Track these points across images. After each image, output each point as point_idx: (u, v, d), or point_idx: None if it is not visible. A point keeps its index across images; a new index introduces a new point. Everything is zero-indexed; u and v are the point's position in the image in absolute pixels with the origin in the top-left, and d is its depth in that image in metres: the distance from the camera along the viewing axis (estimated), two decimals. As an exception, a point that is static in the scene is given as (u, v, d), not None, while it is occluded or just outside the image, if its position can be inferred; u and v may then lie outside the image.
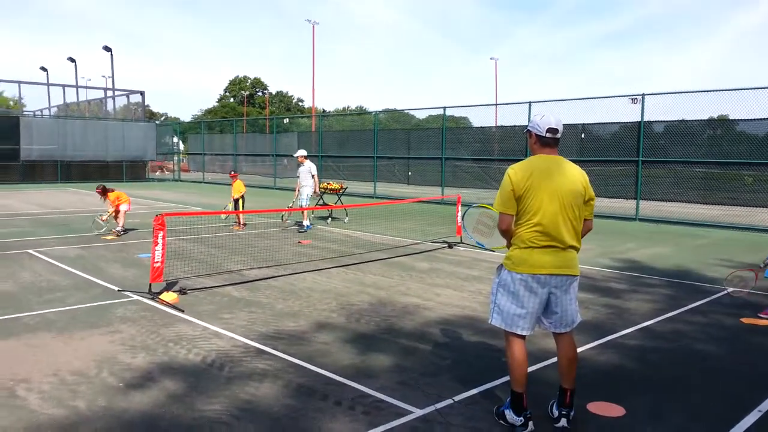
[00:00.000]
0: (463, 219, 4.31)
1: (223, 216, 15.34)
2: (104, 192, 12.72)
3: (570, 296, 3.96)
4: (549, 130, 3.94)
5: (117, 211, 12.60)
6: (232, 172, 15.57)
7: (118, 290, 7.77)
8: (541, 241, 3.83)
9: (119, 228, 12.66)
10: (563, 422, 3.97)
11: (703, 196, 16.75)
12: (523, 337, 3.99)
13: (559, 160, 3.95)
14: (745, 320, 6.63)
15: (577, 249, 3.95)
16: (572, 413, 4.01)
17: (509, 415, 3.97)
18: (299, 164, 14.41)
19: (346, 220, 15.62)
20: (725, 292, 7.95)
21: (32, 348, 5.49)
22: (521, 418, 3.92)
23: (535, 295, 3.87)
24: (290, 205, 15.17)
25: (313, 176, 14.25)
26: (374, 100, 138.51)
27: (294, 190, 15.58)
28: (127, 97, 40.14)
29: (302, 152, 14.65)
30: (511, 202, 3.86)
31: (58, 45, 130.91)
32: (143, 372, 4.92)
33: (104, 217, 12.81)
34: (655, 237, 13.70)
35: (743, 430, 4.01)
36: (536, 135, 3.98)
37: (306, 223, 13.89)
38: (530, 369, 4.40)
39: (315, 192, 14.40)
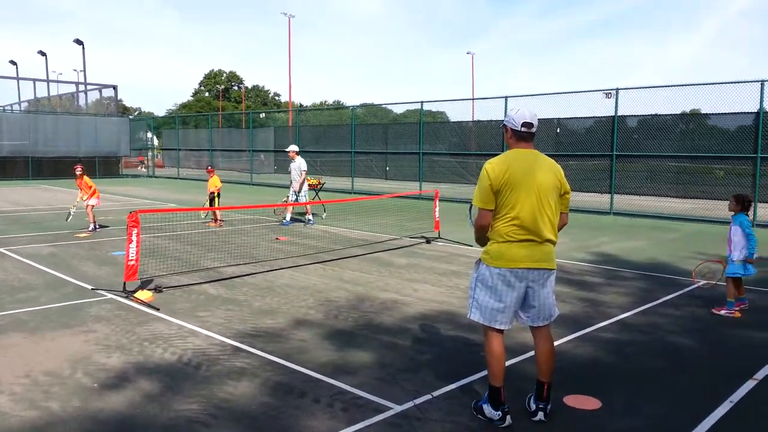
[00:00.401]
0: (471, 218, 4.29)
1: (202, 214, 15.18)
2: (83, 173, 12.60)
3: (547, 290, 3.99)
4: (524, 124, 3.96)
5: (91, 195, 12.58)
6: (209, 167, 15.42)
7: (92, 289, 7.65)
8: (519, 235, 3.85)
9: (91, 226, 12.51)
10: (540, 416, 4.01)
11: (675, 190, 17.02)
12: (501, 331, 4.01)
13: (535, 154, 3.98)
14: (716, 311, 6.76)
15: (554, 243, 3.99)
16: (549, 407, 4.05)
17: (487, 409, 4.00)
18: (291, 160, 14.48)
19: (324, 216, 15.57)
20: (696, 285, 8.09)
21: (3, 348, 5.37)
22: (499, 412, 3.95)
23: (513, 289, 3.89)
24: (284, 200, 15.23)
25: (301, 172, 14.25)
26: (352, 95, 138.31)
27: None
28: (100, 91, 39.46)
29: (293, 148, 14.72)
30: (490, 197, 3.88)
31: (27, 38, 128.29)
32: (118, 372, 4.85)
33: (75, 203, 12.80)
34: (629, 231, 13.89)
35: (716, 421, 4.08)
36: (512, 129, 4.01)
37: (288, 217, 14.26)
38: (508, 363, 4.43)
39: (294, 189, 14.38)
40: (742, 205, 6.81)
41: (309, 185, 16.50)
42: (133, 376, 4.77)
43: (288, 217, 14.31)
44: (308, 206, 14.43)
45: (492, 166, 3.90)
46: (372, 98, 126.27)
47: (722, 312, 6.76)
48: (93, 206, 12.71)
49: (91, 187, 12.72)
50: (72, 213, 12.97)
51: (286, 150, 14.96)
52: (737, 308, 6.77)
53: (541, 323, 4.05)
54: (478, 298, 4.03)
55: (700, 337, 6.01)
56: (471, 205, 4.24)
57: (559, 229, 4.06)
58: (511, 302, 3.92)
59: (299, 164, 14.30)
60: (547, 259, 3.94)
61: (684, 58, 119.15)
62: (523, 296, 3.94)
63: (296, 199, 14.19)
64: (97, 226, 12.66)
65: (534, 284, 3.92)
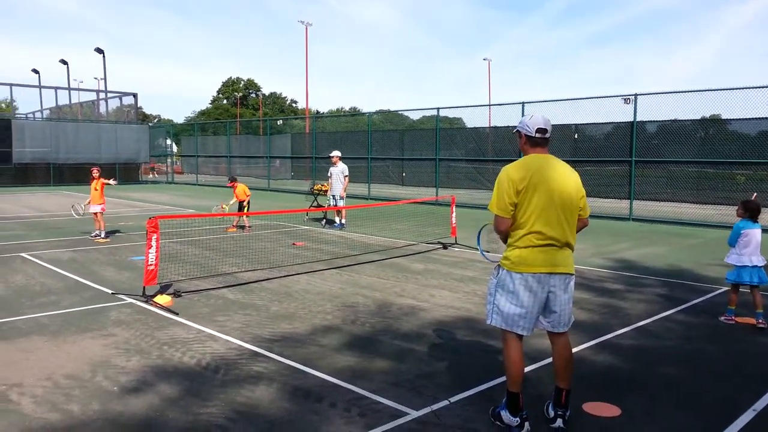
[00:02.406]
0: (479, 240, 4.24)
1: (215, 208, 15.32)
2: (100, 176, 12.70)
3: (568, 295, 3.97)
4: (538, 130, 3.95)
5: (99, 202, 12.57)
6: (232, 182, 14.85)
7: (112, 293, 7.73)
8: (540, 240, 3.83)
9: (102, 232, 12.52)
10: (559, 422, 3.97)
11: (696, 196, 16.80)
12: (520, 337, 3.99)
13: (551, 159, 3.97)
14: (738, 320, 6.65)
15: (572, 247, 3.97)
16: (568, 413, 4.01)
17: (505, 415, 3.97)
18: (333, 165, 14.97)
19: (342, 222, 15.58)
20: (719, 291, 7.97)
21: (25, 352, 5.45)
22: (517, 418, 3.92)
23: (534, 294, 3.87)
24: (327, 203, 15.59)
25: (344, 177, 14.86)
26: (368, 101, 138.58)
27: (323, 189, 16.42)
28: (120, 99, 39.98)
29: (337, 153, 15.26)
30: (509, 202, 3.86)
31: (49, 47, 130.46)
32: (138, 375, 4.89)
33: (86, 203, 12.91)
34: (649, 237, 13.75)
35: (738, 430, 4.02)
36: (526, 135, 4.00)
37: (338, 220, 14.88)
38: (527, 369, 4.40)
39: (340, 194, 14.97)
40: (750, 212, 6.67)
41: (321, 191, 16.67)
42: (153, 379, 4.81)
43: (338, 221, 14.92)
44: (344, 211, 14.94)
45: (511, 171, 3.89)
46: (388, 105, 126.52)
47: (722, 318, 6.68)
48: (100, 212, 12.63)
49: (101, 187, 12.57)
50: (79, 210, 13.09)
51: (330, 155, 15.40)
52: (759, 324, 6.40)
53: (562, 329, 4.02)
54: (498, 304, 4.01)
55: (721, 344, 5.93)
56: (480, 230, 4.19)
57: (579, 230, 4.05)
58: (533, 307, 3.90)
59: (343, 169, 14.88)
60: (567, 264, 3.92)
61: (704, 63, 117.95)
62: (545, 301, 3.92)
63: (335, 204, 14.75)
64: (104, 233, 12.66)
65: (555, 289, 3.89)
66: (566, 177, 3.92)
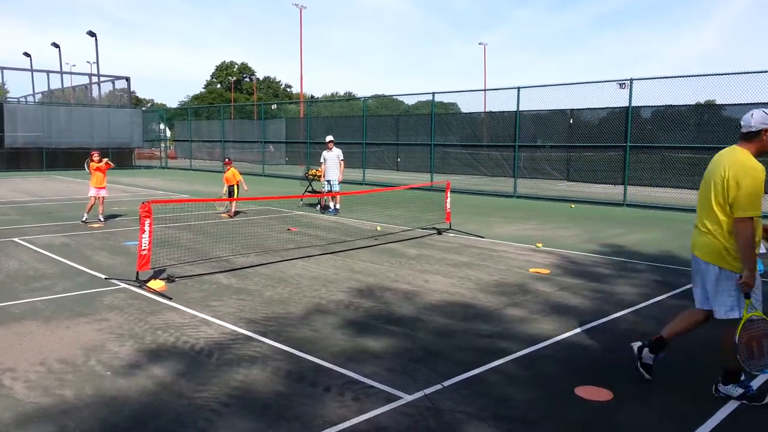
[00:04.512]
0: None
1: (217, 206, 15.20)
2: (100, 159, 12.76)
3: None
4: None
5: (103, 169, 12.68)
6: (227, 159, 15.06)
7: (105, 278, 7.71)
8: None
9: (101, 216, 12.60)
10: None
11: (690, 182, 16.83)
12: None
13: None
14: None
15: None
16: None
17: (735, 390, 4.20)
18: (328, 150, 15.01)
19: (336, 206, 15.56)
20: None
21: (18, 336, 5.44)
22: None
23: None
24: (323, 189, 15.58)
25: (341, 161, 15.01)
26: (363, 86, 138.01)
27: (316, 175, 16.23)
28: (113, 83, 39.67)
29: (331, 138, 15.34)
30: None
31: (41, 30, 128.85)
32: (131, 360, 4.89)
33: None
34: (643, 222, 13.79)
35: (728, 413, 4.06)
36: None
37: (333, 205, 14.97)
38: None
39: (338, 179, 15.10)
40: None
41: (316, 176, 16.61)
42: (146, 364, 4.82)
43: (332, 206, 14.98)
44: (338, 196, 15.02)
45: (760, 169, 4.00)
46: (383, 89, 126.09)
47: None
48: (104, 197, 12.78)
49: (104, 167, 12.74)
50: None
51: (325, 141, 15.35)
52: None
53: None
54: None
55: (713, 328, 5.95)
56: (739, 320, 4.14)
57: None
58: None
59: (338, 154, 15.00)
60: None
61: (700, 48, 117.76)
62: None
63: (330, 189, 14.76)
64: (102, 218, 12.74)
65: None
66: None
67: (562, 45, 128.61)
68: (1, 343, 5.28)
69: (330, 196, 15.06)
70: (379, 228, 12.43)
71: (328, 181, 15.00)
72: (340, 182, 15.10)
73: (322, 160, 15.14)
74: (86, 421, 3.84)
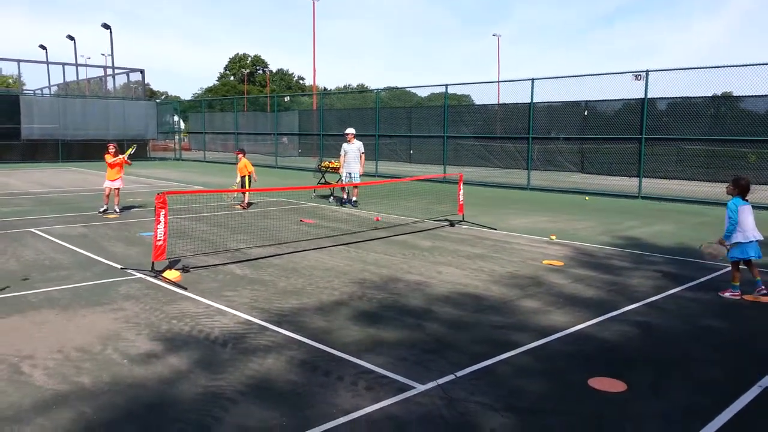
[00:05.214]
0: None
1: (228, 197, 15.26)
2: (116, 152, 12.93)
3: None
4: None
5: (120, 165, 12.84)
6: (238, 150, 15.13)
7: (121, 268, 7.79)
8: None
9: (116, 207, 12.72)
10: None
11: (705, 174, 16.65)
12: None
13: None
14: (746, 297, 6.64)
15: None
16: None
17: None
18: (348, 142, 14.90)
19: (354, 199, 15.58)
20: (727, 269, 7.93)
21: (37, 325, 5.52)
22: None
23: None
24: (338, 180, 15.57)
25: (361, 154, 14.93)
26: (376, 78, 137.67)
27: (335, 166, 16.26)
28: (127, 75, 39.88)
29: (351, 130, 15.19)
30: None
31: (56, 23, 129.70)
32: (147, 349, 4.95)
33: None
34: (658, 215, 13.68)
35: (743, 405, 4.03)
36: None
37: (352, 198, 14.92)
38: (545, 341, 4.37)
39: (359, 171, 14.95)
40: (740, 189, 6.71)
41: (333, 168, 16.59)
42: (162, 352, 4.87)
43: (351, 198, 14.90)
44: (357, 189, 14.99)
45: None
46: (396, 82, 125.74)
47: (726, 294, 6.70)
48: (119, 188, 12.93)
49: (122, 162, 12.91)
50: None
51: (345, 133, 15.26)
52: (759, 292, 6.63)
53: None
54: None
55: (728, 321, 5.92)
56: None
57: None
58: None
59: (359, 146, 14.90)
60: None
61: (716, 39, 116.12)
62: None
63: (350, 181, 14.67)
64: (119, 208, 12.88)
65: None
66: None
67: (574, 37, 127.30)
68: (19, 331, 5.36)
69: (347, 188, 15.00)
70: (377, 218, 12.45)
71: (349, 174, 14.77)
72: (361, 175, 14.91)
73: (342, 153, 14.97)
74: (104, 408, 3.90)
